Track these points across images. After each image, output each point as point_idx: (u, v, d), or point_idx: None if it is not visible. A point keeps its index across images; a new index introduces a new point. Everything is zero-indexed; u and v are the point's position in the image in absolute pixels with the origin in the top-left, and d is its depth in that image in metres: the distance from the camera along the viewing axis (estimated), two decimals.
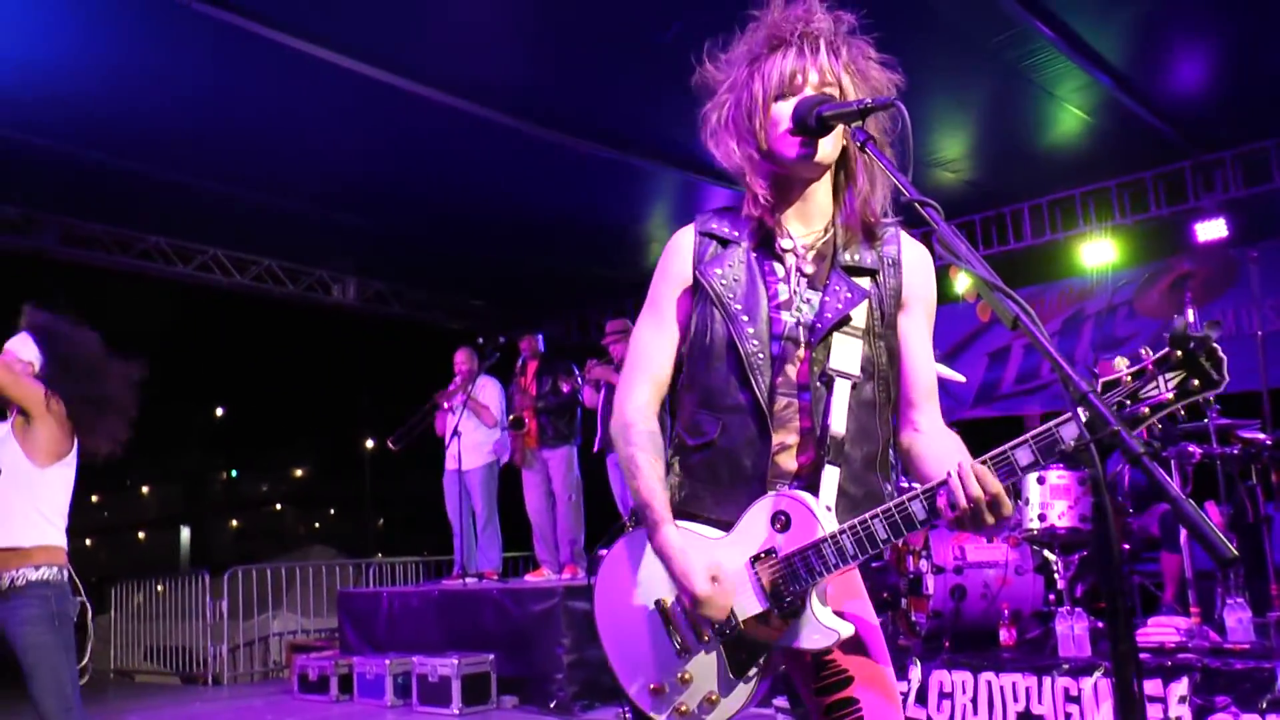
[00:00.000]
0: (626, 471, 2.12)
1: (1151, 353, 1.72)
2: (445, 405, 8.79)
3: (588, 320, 12.26)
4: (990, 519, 1.78)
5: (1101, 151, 8.08)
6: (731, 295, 2.09)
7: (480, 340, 8.81)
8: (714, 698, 2.03)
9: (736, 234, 2.15)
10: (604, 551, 2.23)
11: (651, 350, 2.20)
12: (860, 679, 2.02)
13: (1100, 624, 5.17)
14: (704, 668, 2.04)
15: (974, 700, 4.97)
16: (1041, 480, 5.34)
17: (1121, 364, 1.73)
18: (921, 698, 5.15)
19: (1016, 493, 5.59)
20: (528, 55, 6.61)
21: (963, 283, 9.18)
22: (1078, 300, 9.44)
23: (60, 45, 6.15)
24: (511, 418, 8.45)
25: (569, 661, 6.80)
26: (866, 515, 1.90)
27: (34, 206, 8.82)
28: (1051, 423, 1.76)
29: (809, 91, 2.00)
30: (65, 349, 3.97)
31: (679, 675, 2.05)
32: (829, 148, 2.03)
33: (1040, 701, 4.72)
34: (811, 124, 1.92)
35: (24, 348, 3.92)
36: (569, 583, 7.38)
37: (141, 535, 44.56)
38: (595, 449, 8.22)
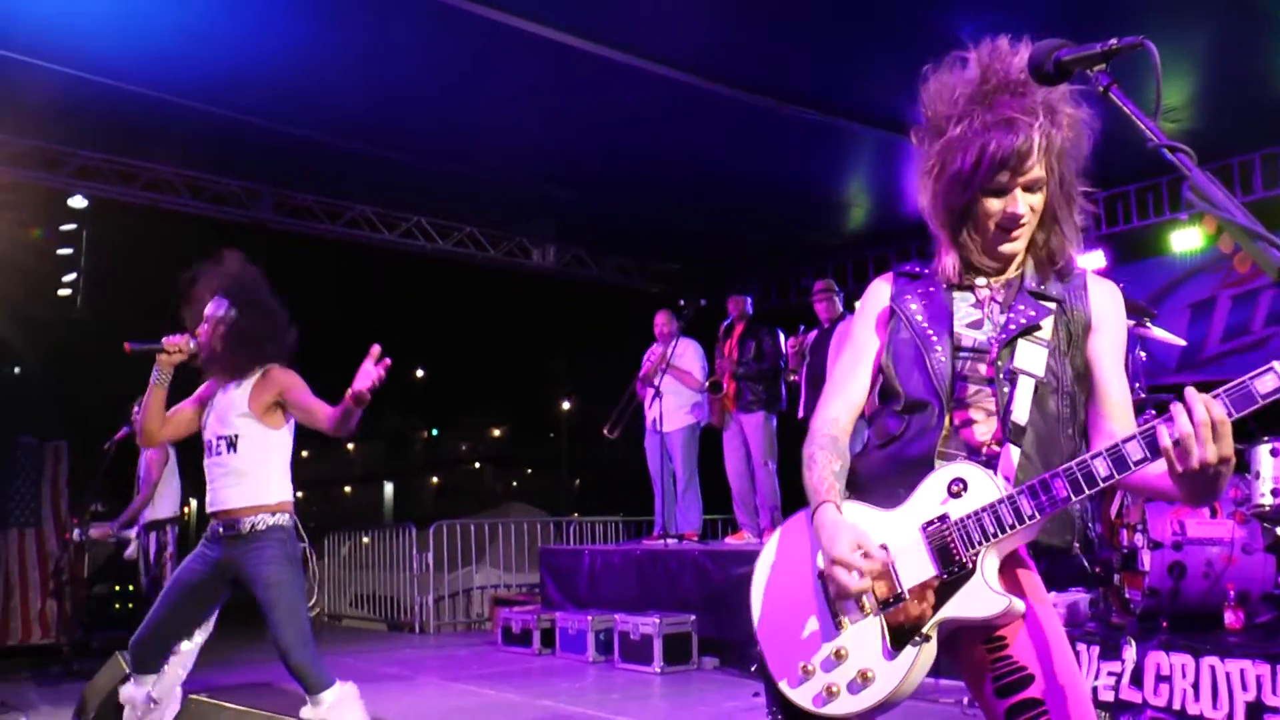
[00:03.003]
0: (805, 468, 2.17)
1: None
2: (648, 364, 8.82)
3: (787, 284, 12.19)
4: (1213, 455, 1.64)
5: None
6: (922, 316, 2.18)
7: (681, 303, 8.81)
8: (869, 674, 1.96)
9: (929, 273, 2.23)
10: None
11: (846, 372, 2.28)
12: (1043, 678, 1.92)
13: None
14: (862, 641, 2.00)
15: (1195, 685, 4.66)
16: (1275, 453, 4.94)
17: None
18: (1136, 679, 4.87)
19: (1245, 465, 5.22)
20: (727, 20, 6.55)
21: (1198, 236, 8.67)
22: None
23: (271, 35, 6.53)
24: (710, 380, 8.45)
25: None
26: (1046, 474, 1.85)
27: (252, 180, 9.40)
28: (1246, 375, 1.66)
29: (1018, 193, 2.00)
30: (251, 296, 4.16)
31: (833, 650, 2.02)
32: (1025, 234, 2.07)
33: (1275, 693, 4.37)
34: (1049, 69, 1.81)
35: (216, 307, 4.13)
36: None
37: (348, 489, 46.99)
38: (800, 414, 8.10)
